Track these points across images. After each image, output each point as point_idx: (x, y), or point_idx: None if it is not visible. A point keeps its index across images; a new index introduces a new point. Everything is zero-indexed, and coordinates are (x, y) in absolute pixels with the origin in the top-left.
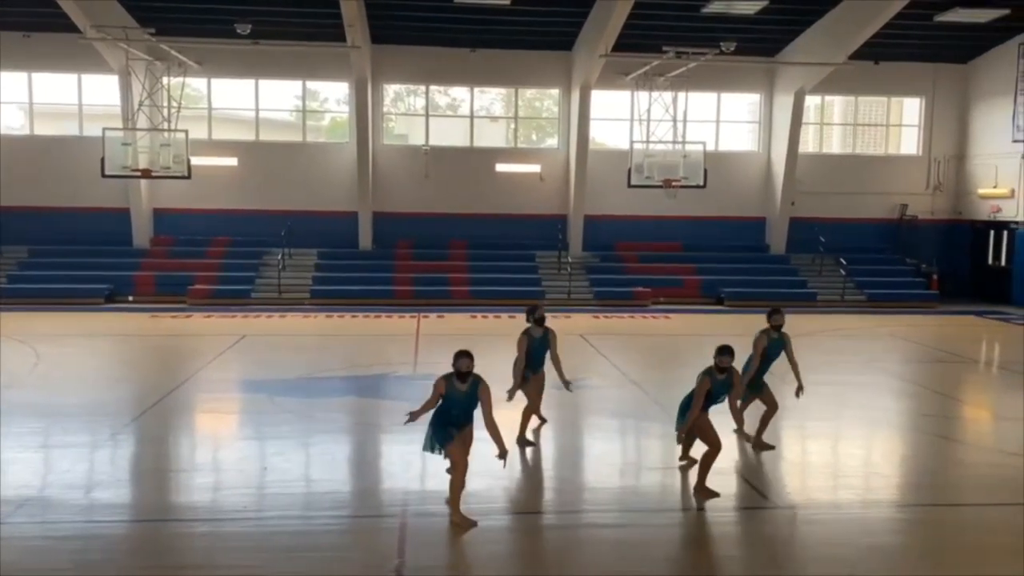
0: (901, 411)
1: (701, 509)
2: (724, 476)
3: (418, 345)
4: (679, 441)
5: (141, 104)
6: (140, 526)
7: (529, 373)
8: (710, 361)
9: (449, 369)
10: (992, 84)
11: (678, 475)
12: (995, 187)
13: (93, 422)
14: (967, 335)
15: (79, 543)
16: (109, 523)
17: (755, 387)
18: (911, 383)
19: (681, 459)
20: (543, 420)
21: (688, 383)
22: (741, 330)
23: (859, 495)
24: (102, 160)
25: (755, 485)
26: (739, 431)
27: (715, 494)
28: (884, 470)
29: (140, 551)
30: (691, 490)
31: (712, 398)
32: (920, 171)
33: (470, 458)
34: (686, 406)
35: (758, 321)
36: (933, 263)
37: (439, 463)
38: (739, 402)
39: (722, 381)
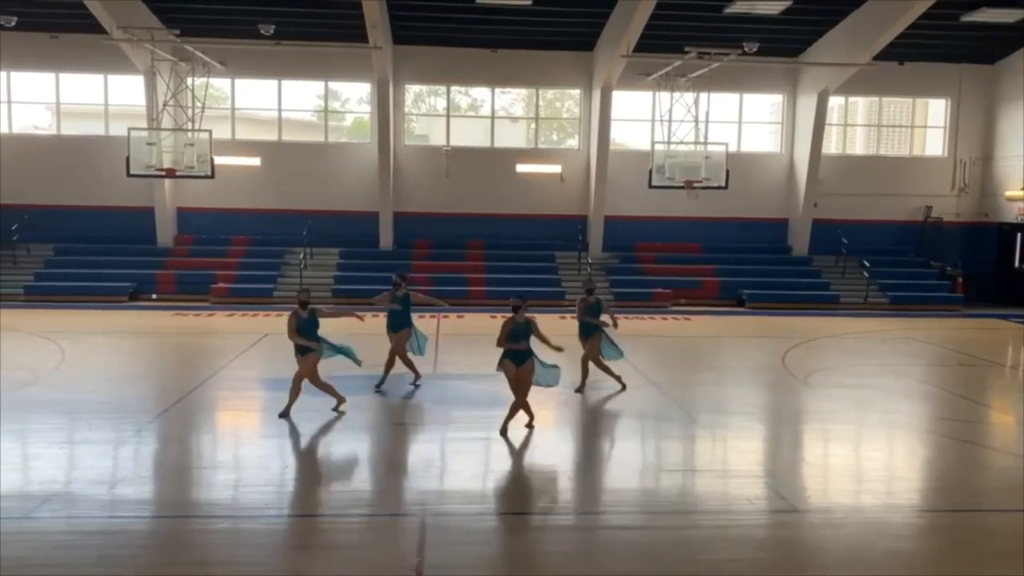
0: (923, 415)
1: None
2: (744, 479)
3: (438, 344)
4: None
5: (166, 104)
6: (162, 522)
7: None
8: (730, 363)
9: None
10: (1019, 85)
11: (697, 477)
12: (1022, 189)
13: (117, 419)
14: (992, 339)
15: (103, 538)
16: (132, 519)
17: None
18: (934, 386)
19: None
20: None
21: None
22: (762, 332)
23: (881, 499)
24: (127, 159)
25: (775, 488)
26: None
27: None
28: (906, 474)
29: (162, 547)
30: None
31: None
32: (945, 173)
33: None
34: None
35: (780, 323)
36: (958, 266)
37: (459, 462)
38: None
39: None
